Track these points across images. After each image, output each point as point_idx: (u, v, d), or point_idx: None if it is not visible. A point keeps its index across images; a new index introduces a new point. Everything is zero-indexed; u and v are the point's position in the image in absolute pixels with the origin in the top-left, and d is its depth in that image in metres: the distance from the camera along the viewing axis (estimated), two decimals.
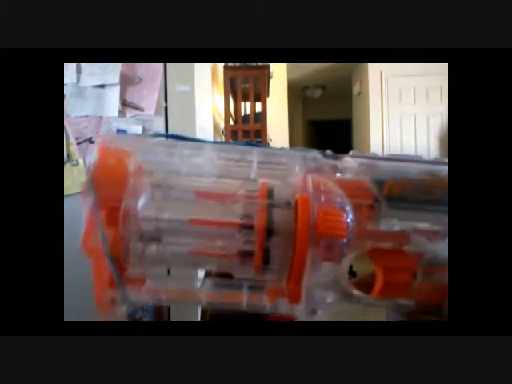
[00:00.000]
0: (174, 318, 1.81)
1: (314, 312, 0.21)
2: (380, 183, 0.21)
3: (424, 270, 0.22)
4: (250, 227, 0.19)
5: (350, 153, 0.22)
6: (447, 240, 0.23)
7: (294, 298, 0.20)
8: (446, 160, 0.25)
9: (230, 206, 0.20)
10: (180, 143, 0.22)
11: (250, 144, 0.23)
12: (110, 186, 0.20)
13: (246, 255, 0.20)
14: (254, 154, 0.20)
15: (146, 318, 1.74)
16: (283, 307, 0.21)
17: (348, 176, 0.21)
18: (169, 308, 1.80)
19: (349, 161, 0.21)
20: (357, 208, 0.20)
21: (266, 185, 0.20)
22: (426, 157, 0.25)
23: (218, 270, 0.22)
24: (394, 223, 0.21)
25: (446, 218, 0.23)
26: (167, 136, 0.24)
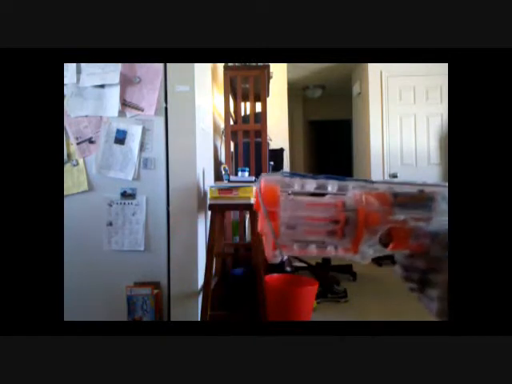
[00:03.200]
0: (174, 318, 1.81)
1: (364, 258, 0.44)
2: (394, 195, 0.43)
3: (415, 236, 0.42)
4: (336, 222, 0.43)
5: (380, 180, 0.43)
6: (429, 221, 0.42)
7: (355, 252, 0.43)
8: (431, 182, 0.44)
9: (324, 210, 0.43)
10: (299, 177, 0.44)
11: (331, 177, 0.45)
12: (269, 200, 0.42)
13: (333, 233, 0.43)
14: (331, 183, 0.44)
15: (146, 318, 1.74)
16: (349, 256, 0.44)
17: (379, 191, 0.44)
18: (169, 309, 1.80)
19: (379, 183, 0.44)
20: (383, 209, 0.42)
21: (342, 200, 0.43)
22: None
23: (317, 243, 0.44)
24: (400, 215, 0.43)
25: (427, 213, 0.42)
26: (293, 174, 0.44)
